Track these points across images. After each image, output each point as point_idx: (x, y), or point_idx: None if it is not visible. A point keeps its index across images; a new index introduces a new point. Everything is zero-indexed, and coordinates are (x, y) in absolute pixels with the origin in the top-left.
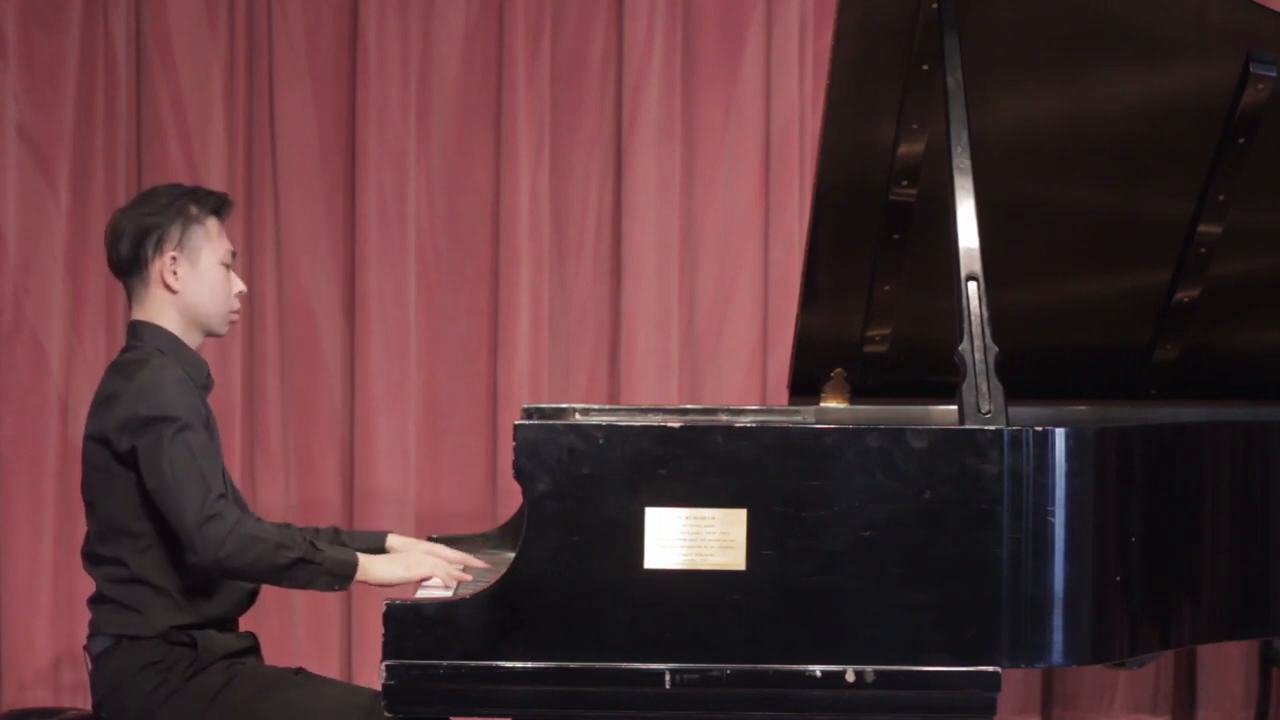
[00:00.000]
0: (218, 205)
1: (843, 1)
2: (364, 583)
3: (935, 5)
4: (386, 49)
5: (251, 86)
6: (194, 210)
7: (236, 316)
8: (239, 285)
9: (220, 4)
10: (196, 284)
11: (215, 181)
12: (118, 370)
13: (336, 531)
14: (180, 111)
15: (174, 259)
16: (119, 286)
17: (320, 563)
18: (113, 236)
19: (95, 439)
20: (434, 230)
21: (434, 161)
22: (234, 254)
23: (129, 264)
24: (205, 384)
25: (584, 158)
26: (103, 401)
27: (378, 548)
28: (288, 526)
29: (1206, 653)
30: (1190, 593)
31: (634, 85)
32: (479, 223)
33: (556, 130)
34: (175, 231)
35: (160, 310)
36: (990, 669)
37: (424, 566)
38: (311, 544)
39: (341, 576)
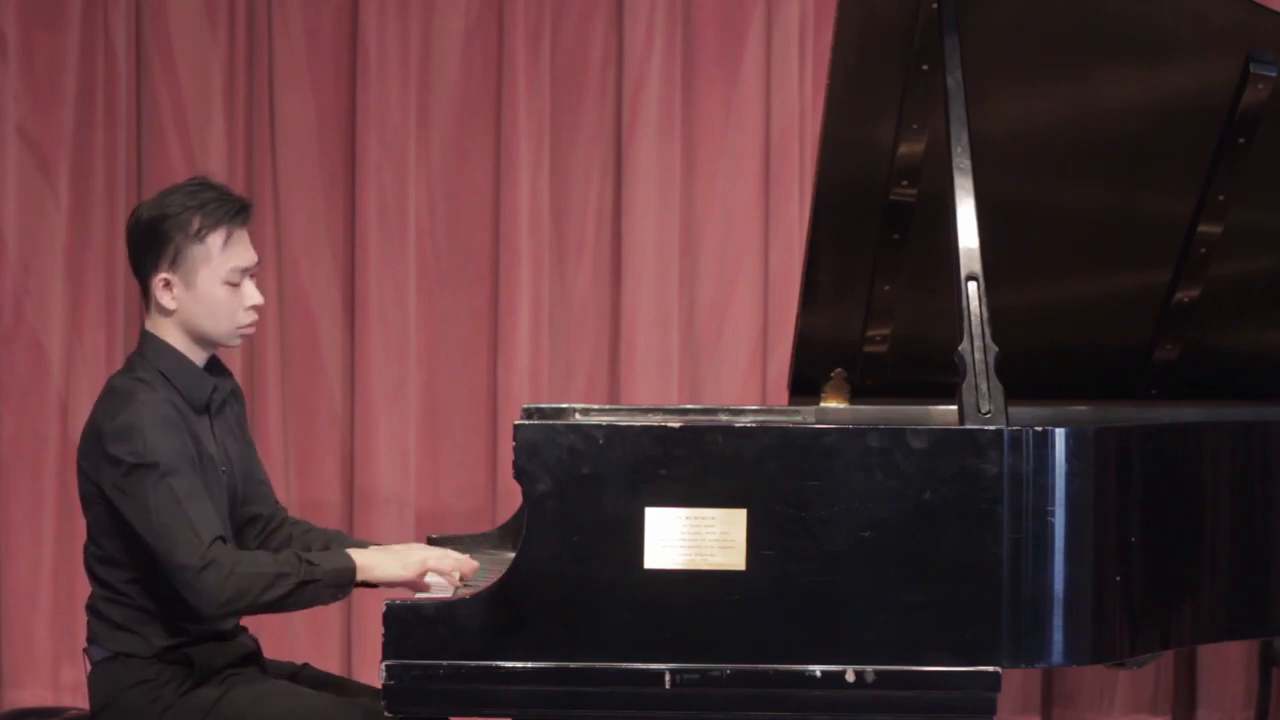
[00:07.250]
0: (227, 216)
1: (843, 1)
2: (365, 584)
3: (935, 5)
4: (386, 49)
5: (251, 86)
6: (196, 225)
7: (249, 330)
8: (254, 298)
9: (220, 4)
10: (193, 306)
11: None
12: (109, 397)
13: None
14: (180, 111)
15: (166, 282)
16: (119, 286)
17: (319, 579)
18: (128, 230)
19: (82, 467)
20: (434, 230)
21: (434, 161)
22: (256, 264)
23: (134, 267)
24: (205, 407)
25: (584, 158)
26: (90, 430)
27: None
28: (284, 522)
29: (1206, 653)
30: (1190, 593)
31: (634, 85)
32: (479, 223)
33: (556, 130)
34: (169, 252)
35: (163, 325)
36: (990, 669)
37: (420, 564)
38: (307, 561)
39: (342, 584)
